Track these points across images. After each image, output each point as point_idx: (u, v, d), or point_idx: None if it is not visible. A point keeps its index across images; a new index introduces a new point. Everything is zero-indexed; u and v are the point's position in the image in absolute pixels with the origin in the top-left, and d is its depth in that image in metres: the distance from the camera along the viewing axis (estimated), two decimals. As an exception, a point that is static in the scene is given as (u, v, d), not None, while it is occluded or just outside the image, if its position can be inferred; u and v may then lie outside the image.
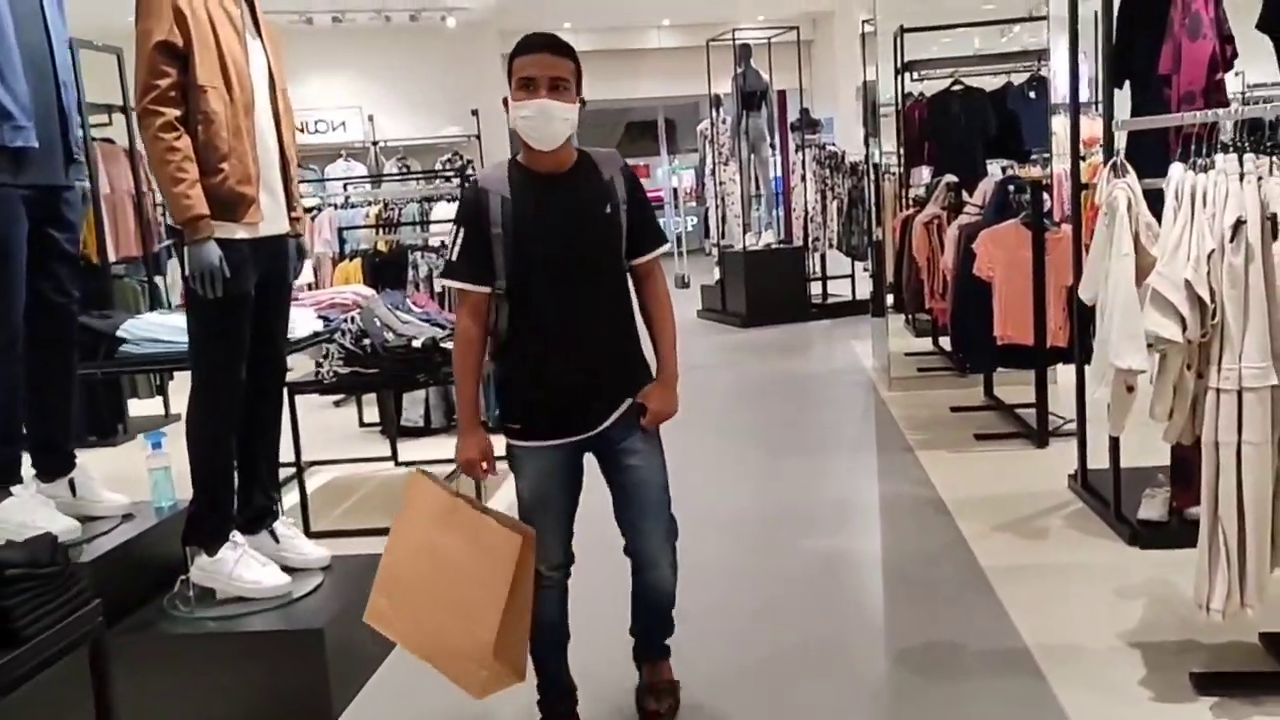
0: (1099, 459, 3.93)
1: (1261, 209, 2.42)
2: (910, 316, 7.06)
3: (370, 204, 7.70)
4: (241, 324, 2.87)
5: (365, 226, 7.44)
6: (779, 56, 10.32)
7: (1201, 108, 3.12)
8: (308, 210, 7.94)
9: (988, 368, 5.68)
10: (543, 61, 2.30)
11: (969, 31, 7.39)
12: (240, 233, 2.82)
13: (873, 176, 7.87)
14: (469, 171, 8.00)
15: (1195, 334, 2.47)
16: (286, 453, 3.82)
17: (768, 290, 9.48)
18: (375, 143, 12.39)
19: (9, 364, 2.79)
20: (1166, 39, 3.49)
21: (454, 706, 2.85)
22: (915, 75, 7.08)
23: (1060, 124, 5.87)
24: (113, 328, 3.99)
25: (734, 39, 9.83)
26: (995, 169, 6.21)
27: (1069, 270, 4.30)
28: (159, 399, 6.77)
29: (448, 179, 8.09)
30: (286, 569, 3.05)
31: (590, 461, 2.53)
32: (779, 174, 10.71)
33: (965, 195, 5.94)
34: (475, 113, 12.14)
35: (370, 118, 12.38)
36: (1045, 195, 5.00)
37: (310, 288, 6.47)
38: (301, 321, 4.19)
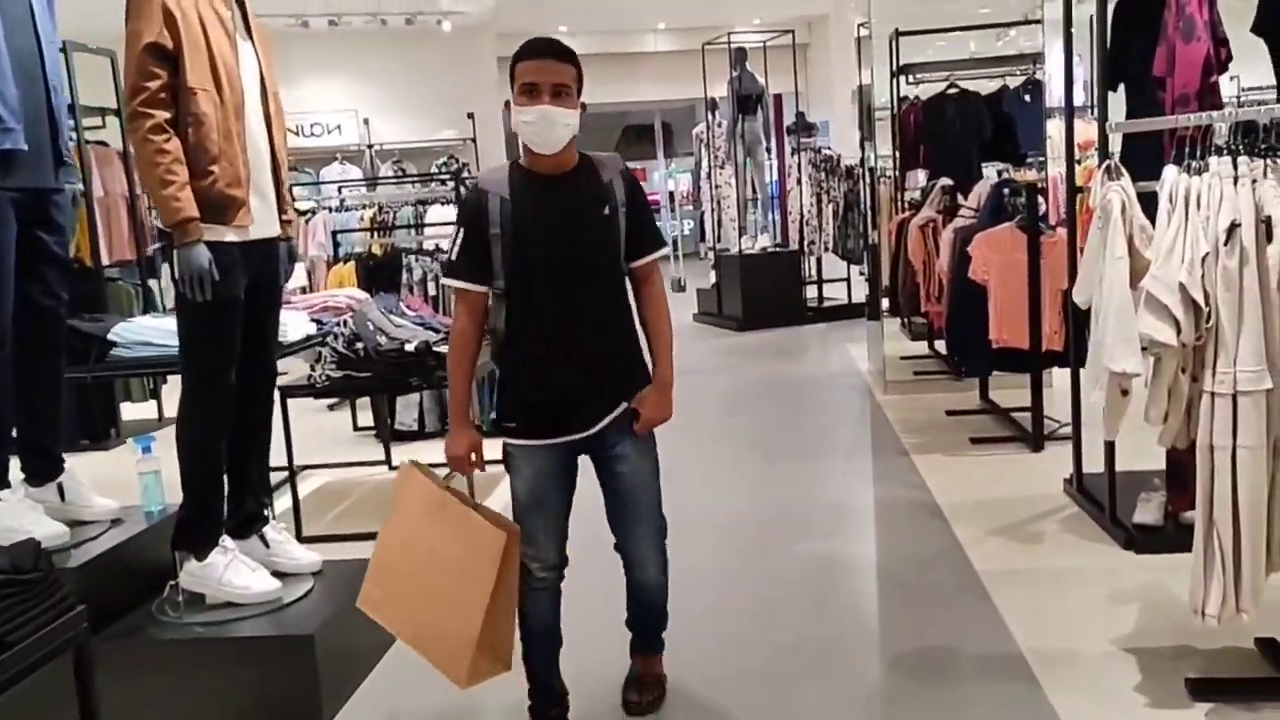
0: (1094, 463, 3.92)
1: (1256, 212, 2.41)
2: (906, 320, 7.05)
3: (365, 207, 7.69)
4: (231, 327, 2.85)
5: (359, 230, 7.44)
6: (775, 60, 10.32)
7: (1196, 110, 3.11)
8: (302, 213, 7.96)
9: (983, 371, 5.67)
10: (545, 67, 2.33)
11: (964, 35, 7.38)
12: (230, 236, 2.80)
13: (868, 180, 7.86)
14: (464, 175, 8.00)
15: (1190, 337, 2.46)
16: (279, 456, 3.81)
17: (763, 294, 9.48)
18: (371, 146, 12.37)
19: (-3, 367, 2.77)
20: (1161, 41, 3.49)
21: (445, 712, 2.84)
22: (911, 79, 7.08)
23: (1055, 127, 5.87)
24: (103, 331, 3.97)
25: (729, 43, 9.83)
26: (990, 172, 6.19)
27: (1064, 274, 4.30)
28: (152, 402, 6.74)
29: (443, 182, 8.07)
30: (277, 574, 3.03)
31: (584, 462, 2.55)
32: (775, 177, 10.71)
33: (960, 198, 5.94)
34: (471, 116, 12.13)
35: (366, 121, 12.36)
36: (1040, 198, 5.00)
37: (304, 291, 6.46)
38: (294, 325, 4.18)
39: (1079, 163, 4.58)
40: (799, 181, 10.22)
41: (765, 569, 3.79)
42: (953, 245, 5.26)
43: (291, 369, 4.92)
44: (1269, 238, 2.40)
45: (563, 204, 2.41)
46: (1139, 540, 3.59)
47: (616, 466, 2.50)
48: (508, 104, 2.39)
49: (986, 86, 6.91)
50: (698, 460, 5.17)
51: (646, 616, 2.72)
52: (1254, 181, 2.43)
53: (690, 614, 3.13)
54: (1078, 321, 3.95)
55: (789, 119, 10.76)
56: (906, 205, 6.93)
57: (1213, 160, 2.50)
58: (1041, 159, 6.12)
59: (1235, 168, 2.45)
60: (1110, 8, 3.69)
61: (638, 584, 2.63)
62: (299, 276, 6.81)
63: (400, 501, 2.52)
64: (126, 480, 3.26)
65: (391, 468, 5.23)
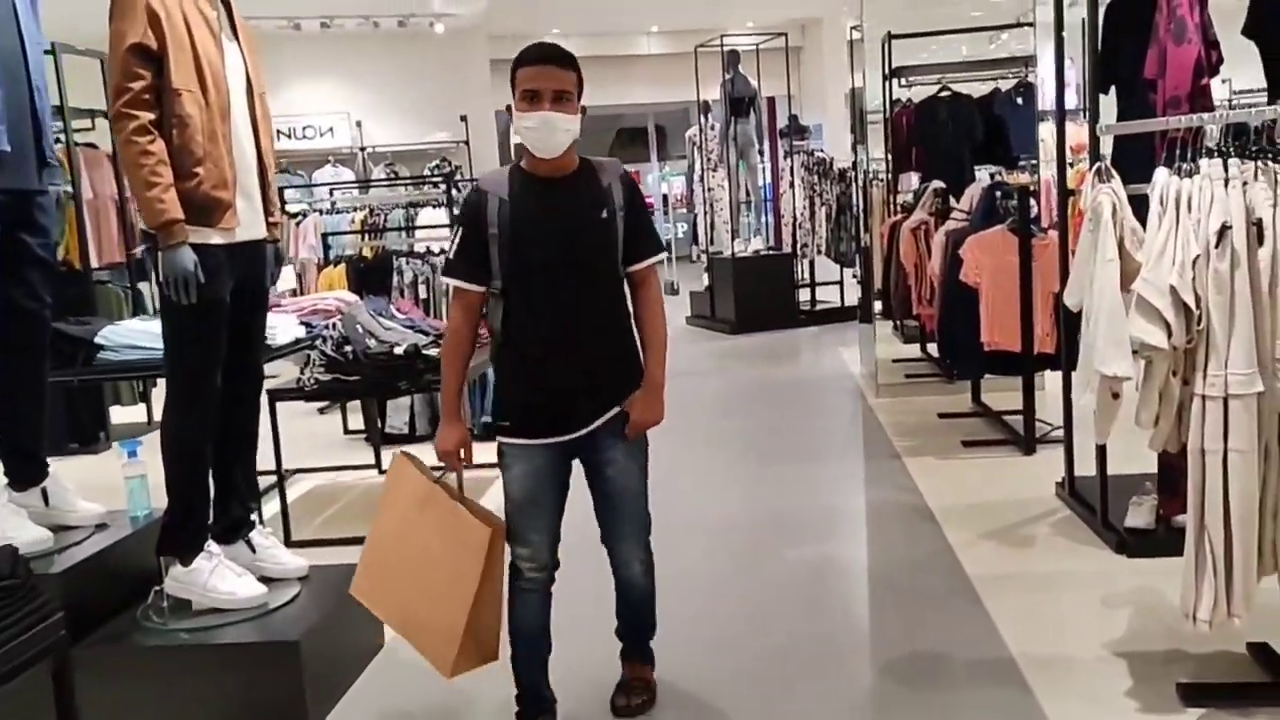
0: (1086, 466, 3.90)
1: (1247, 214, 2.40)
2: (898, 323, 7.04)
3: (356, 210, 7.66)
4: (217, 330, 2.83)
5: (350, 232, 7.41)
6: (768, 63, 10.31)
7: (1187, 113, 3.11)
8: (293, 216, 7.94)
9: (975, 374, 5.67)
10: (546, 73, 2.36)
11: (957, 38, 7.37)
12: (216, 238, 2.78)
13: (861, 183, 7.86)
14: (457, 177, 7.98)
15: (1181, 340, 2.45)
16: (267, 460, 3.78)
17: (756, 296, 9.47)
18: (363, 148, 12.35)
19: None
20: (1152, 44, 3.48)
21: (433, 717, 2.82)
22: (903, 81, 7.08)
23: (1047, 130, 5.87)
24: (90, 334, 3.94)
25: (722, 45, 9.82)
26: (983, 175, 6.19)
27: (1056, 276, 4.28)
28: (142, 406, 6.70)
29: (435, 184, 8.05)
30: (264, 579, 3.00)
31: (574, 465, 2.57)
32: (768, 180, 10.71)
33: (953, 201, 5.94)
34: (464, 118, 12.11)
35: (358, 123, 12.32)
36: (1032, 201, 4.99)
37: (294, 293, 6.43)
38: (283, 328, 4.15)
39: (1071, 166, 4.57)
40: (792, 184, 10.22)
41: (757, 572, 3.77)
42: (945, 248, 5.25)
43: (282, 372, 4.89)
44: (1260, 240, 2.39)
45: (561, 207, 2.44)
46: (1131, 544, 3.58)
47: (606, 470, 2.52)
48: (509, 109, 2.43)
49: (979, 89, 6.91)
50: (690, 463, 5.16)
51: (635, 617, 2.73)
52: (1245, 184, 2.42)
53: (682, 616, 3.12)
54: (1069, 324, 3.94)
55: (782, 122, 10.75)
56: (899, 208, 6.92)
57: (1204, 162, 2.48)
58: (1033, 162, 6.12)
59: (1226, 170, 2.44)
60: (1101, 10, 3.69)
61: (625, 582, 2.66)
62: (289, 279, 6.78)
63: (392, 492, 2.60)
64: (115, 484, 3.23)
65: (381, 471, 5.20)
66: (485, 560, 2.40)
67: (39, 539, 2.84)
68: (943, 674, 2.90)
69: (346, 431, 6.28)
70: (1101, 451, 3.66)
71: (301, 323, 4.37)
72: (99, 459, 5.89)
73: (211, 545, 2.94)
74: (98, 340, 3.93)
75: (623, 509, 2.57)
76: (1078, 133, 5.08)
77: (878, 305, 6.95)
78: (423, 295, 6.03)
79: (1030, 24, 6.39)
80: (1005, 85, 6.82)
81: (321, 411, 6.76)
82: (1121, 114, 3.72)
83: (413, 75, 12.34)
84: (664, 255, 2.72)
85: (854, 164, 8.22)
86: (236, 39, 2.90)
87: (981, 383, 5.80)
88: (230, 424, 2.99)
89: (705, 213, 10.68)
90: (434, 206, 7.30)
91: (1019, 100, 6.68)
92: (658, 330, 2.55)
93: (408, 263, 6.16)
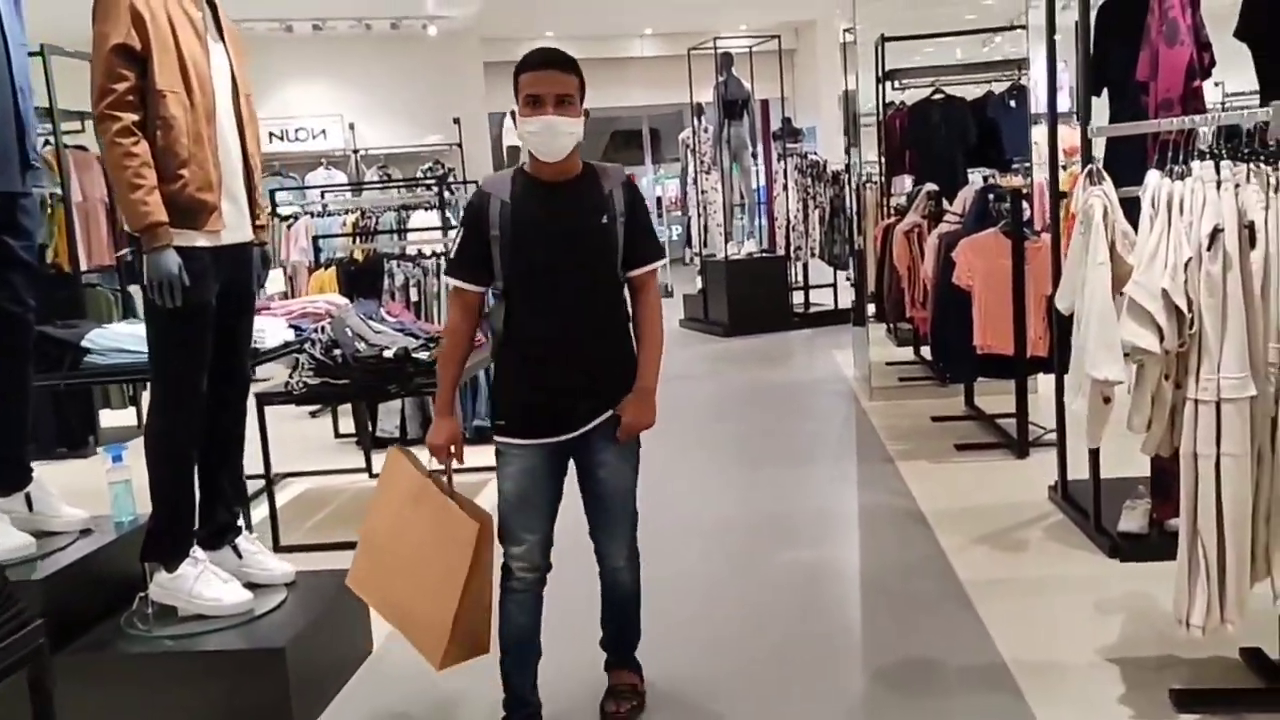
0: (1079, 469, 3.89)
1: (1239, 217, 2.38)
2: (891, 326, 7.03)
3: (347, 212, 7.63)
4: (202, 334, 2.80)
5: (341, 235, 7.38)
6: (761, 65, 10.29)
7: (1179, 115, 3.09)
8: (285, 219, 7.91)
9: (968, 377, 5.65)
10: (548, 78, 2.39)
11: (950, 41, 7.37)
12: (201, 241, 2.75)
13: (854, 185, 7.84)
14: (450, 180, 7.96)
15: (1173, 344, 2.43)
16: (256, 464, 3.76)
17: (750, 299, 9.45)
18: (356, 151, 12.31)
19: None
20: (1144, 46, 3.47)
21: (419, 726, 2.80)
22: (896, 84, 7.07)
23: (1040, 133, 5.85)
24: (77, 338, 3.92)
25: (716, 48, 9.81)
26: (976, 178, 6.18)
27: (1049, 279, 4.28)
28: (132, 410, 6.66)
29: (428, 187, 8.02)
30: (250, 585, 2.97)
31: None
32: (761, 183, 10.69)
33: (946, 204, 5.92)
34: (457, 121, 12.08)
35: (351, 126, 12.28)
36: (1025, 204, 4.98)
37: (285, 296, 6.41)
38: (272, 331, 4.13)
39: (1063, 168, 4.56)
40: (785, 187, 10.20)
41: (750, 575, 3.75)
42: (937, 251, 5.24)
43: (273, 375, 4.86)
44: (1252, 243, 2.37)
45: (562, 211, 2.46)
46: (1124, 548, 3.56)
47: (598, 471, 2.54)
48: (512, 114, 2.45)
49: (972, 92, 6.90)
50: (684, 466, 5.13)
51: (620, 617, 2.73)
52: (1237, 186, 2.40)
53: (676, 619, 3.10)
54: (1062, 327, 3.92)
55: (775, 124, 10.75)
56: (892, 211, 6.91)
57: (1195, 165, 2.47)
58: (1026, 164, 6.11)
59: (1218, 172, 2.42)
60: (1093, 13, 3.67)
61: (611, 579, 2.66)
62: (278, 282, 6.75)
63: (386, 486, 2.65)
64: (103, 489, 3.20)
65: (372, 475, 5.17)
66: (473, 555, 2.42)
67: (20, 545, 2.81)
68: (935, 679, 2.88)
69: (338, 435, 6.25)
70: (1094, 455, 3.65)
71: (291, 326, 4.35)
72: (88, 463, 5.84)
73: (197, 551, 2.91)
74: (84, 344, 3.91)
75: (612, 508, 2.59)
76: (1070, 135, 5.06)
77: (871, 308, 6.95)
78: (414, 298, 6.00)
79: (1023, 27, 6.37)
80: (998, 88, 6.82)
81: (313, 415, 6.73)
82: (1114, 116, 3.71)
83: (405, 78, 12.30)
84: (664, 261, 2.73)
85: (847, 167, 8.20)
86: (222, 40, 2.88)
87: (975, 386, 5.78)
88: (216, 428, 2.97)
89: (699, 215, 10.67)
90: (426, 209, 7.28)
91: (1012, 103, 6.68)
92: (654, 336, 2.57)
93: (399, 265, 6.13)
